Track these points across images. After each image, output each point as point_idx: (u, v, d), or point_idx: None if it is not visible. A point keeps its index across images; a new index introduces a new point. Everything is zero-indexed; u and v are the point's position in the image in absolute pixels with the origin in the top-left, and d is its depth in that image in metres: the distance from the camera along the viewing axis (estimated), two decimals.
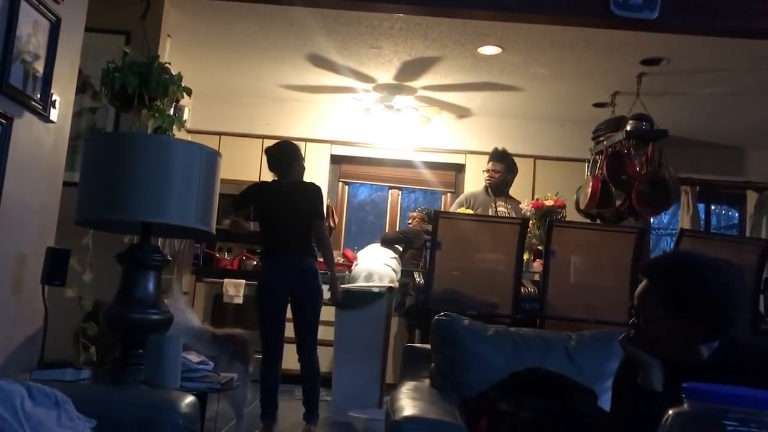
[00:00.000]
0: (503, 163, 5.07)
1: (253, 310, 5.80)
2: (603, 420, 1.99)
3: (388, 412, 1.95)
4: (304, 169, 4.13)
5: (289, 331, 6.26)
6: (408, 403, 1.98)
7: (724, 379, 1.54)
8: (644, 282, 1.70)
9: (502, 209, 4.97)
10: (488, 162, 5.15)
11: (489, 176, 5.08)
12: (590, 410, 2.01)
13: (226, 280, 5.90)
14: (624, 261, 3.97)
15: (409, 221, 6.24)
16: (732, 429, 0.70)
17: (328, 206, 6.74)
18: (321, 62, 5.55)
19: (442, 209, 6.71)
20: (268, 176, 6.57)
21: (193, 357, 2.20)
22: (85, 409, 1.54)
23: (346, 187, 7.19)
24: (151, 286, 2.13)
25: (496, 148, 5.13)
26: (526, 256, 4.37)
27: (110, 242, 3.05)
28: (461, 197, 5.38)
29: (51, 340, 2.35)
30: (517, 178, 5.43)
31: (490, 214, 4.86)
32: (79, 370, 2.08)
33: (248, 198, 4.25)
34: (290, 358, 6.03)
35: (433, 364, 2.42)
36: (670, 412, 0.75)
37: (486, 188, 5.14)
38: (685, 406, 0.75)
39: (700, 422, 0.73)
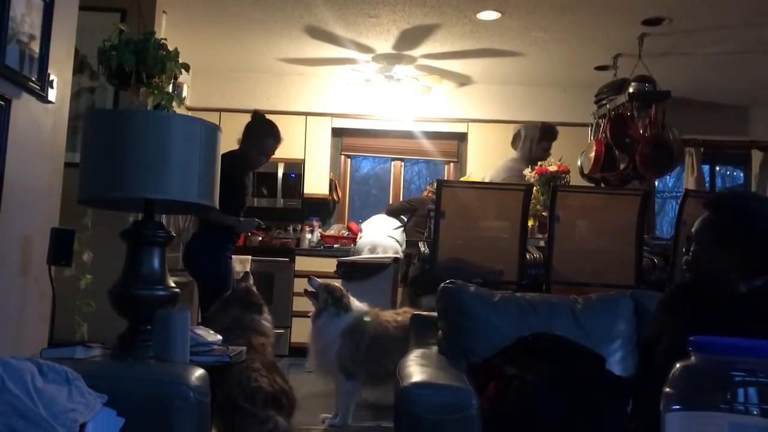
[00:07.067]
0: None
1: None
2: (610, 383, 2.01)
3: (397, 379, 1.96)
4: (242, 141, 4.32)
5: (302, 306, 6.31)
6: (416, 370, 1.99)
7: (761, 315, 1.60)
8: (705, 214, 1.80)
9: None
10: (545, 140, 5.15)
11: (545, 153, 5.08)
12: (597, 373, 2.02)
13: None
14: (629, 224, 3.96)
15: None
16: (740, 380, 0.70)
17: (330, 180, 6.73)
18: (319, 34, 5.50)
19: (445, 179, 6.69)
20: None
21: (201, 331, 2.21)
22: (95, 385, 1.55)
23: (349, 160, 7.17)
24: (156, 262, 2.14)
25: (552, 127, 5.18)
26: (531, 223, 4.36)
27: (109, 222, 3.06)
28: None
29: (57, 318, 2.37)
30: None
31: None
32: (89, 347, 2.09)
33: None
34: (298, 332, 6.10)
35: (440, 332, 2.43)
36: (677, 365, 0.75)
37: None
38: (692, 359, 0.75)
39: (708, 374, 0.73)
